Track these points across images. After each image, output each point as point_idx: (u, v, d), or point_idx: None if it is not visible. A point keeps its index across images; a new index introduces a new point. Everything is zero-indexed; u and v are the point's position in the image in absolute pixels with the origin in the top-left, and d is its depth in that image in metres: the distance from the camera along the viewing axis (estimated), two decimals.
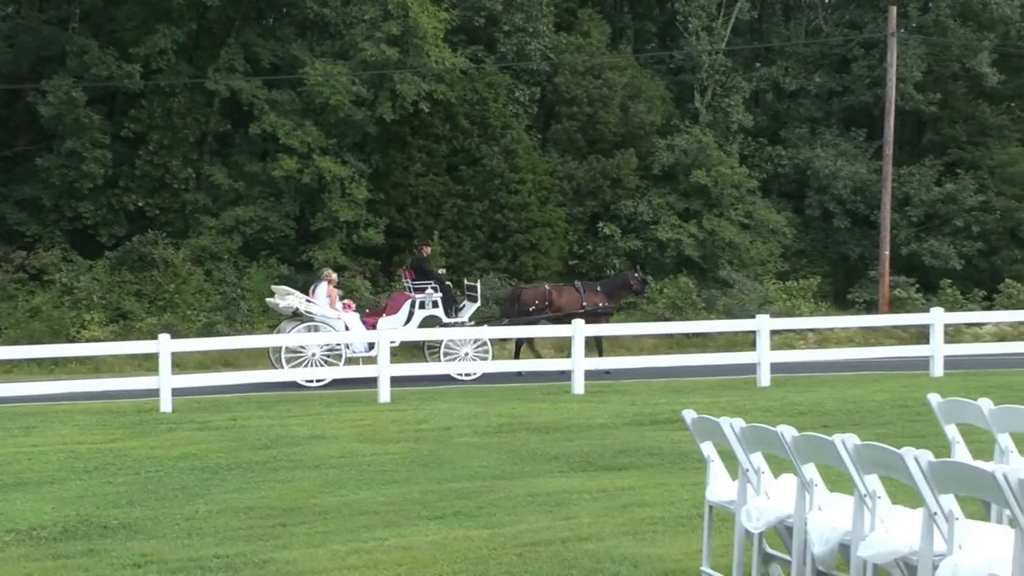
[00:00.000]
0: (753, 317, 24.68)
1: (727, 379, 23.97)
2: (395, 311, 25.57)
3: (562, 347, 26.54)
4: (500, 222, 36.26)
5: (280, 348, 24.11)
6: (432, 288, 25.87)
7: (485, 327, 25.58)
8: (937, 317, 24.79)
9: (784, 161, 41.67)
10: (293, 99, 35.01)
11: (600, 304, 26.70)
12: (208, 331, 29.93)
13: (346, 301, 25.86)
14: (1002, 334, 32.48)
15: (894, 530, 6.66)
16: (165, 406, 20.00)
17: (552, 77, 38.83)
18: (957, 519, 6.14)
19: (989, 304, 36.22)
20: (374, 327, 24.49)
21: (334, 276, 25.86)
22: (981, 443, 9.25)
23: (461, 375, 24.21)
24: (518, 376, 24.38)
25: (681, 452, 14.14)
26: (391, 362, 21.66)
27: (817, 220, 41.74)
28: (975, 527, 6.44)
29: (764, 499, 7.77)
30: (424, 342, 25.50)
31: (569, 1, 40.44)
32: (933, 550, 6.23)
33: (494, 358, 25.16)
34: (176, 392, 20.45)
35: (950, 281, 37.15)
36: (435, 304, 25.66)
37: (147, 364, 25.37)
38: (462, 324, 25.65)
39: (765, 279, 36.53)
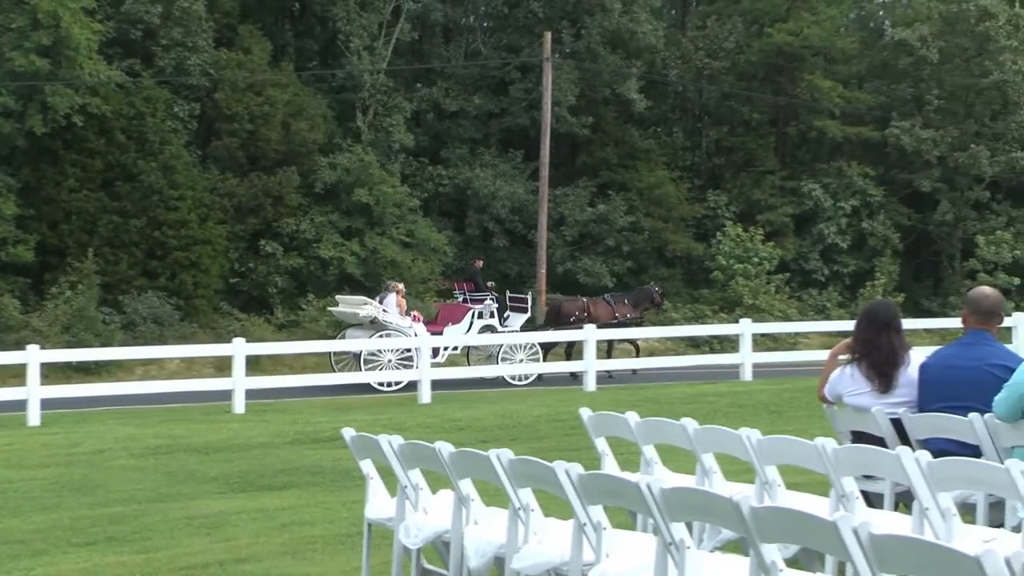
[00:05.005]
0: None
1: (389, 396, 24.20)
2: (458, 321, 28.35)
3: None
4: (159, 239, 35.33)
5: (341, 353, 26.59)
6: (491, 299, 29.11)
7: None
8: (590, 333, 25.75)
9: (445, 181, 42.26)
10: None
11: (628, 315, 30.09)
12: None
13: (414, 313, 28.12)
14: (651, 349, 33.98)
15: (546, 542, 6.85)
16: None
17: (212, 93, 38.16)
18: (605, 529, 6.37)
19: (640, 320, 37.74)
20: (438, 335, 27.12)
21: (401, 287, 28.47)
22: (629, 455, 9.63)
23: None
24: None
25: (342, 470, 14.14)
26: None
27: (477, 239, 42.50)
28: (622, 536, 6.69)
29: (422, 515, 7.87)
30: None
31: (229, 17, 39.82)
32: (583, 560, 6.44)
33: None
34: None
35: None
36: (492, 315, 28.82)
37: None
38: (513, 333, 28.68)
39: (427, 297, 36.94)
